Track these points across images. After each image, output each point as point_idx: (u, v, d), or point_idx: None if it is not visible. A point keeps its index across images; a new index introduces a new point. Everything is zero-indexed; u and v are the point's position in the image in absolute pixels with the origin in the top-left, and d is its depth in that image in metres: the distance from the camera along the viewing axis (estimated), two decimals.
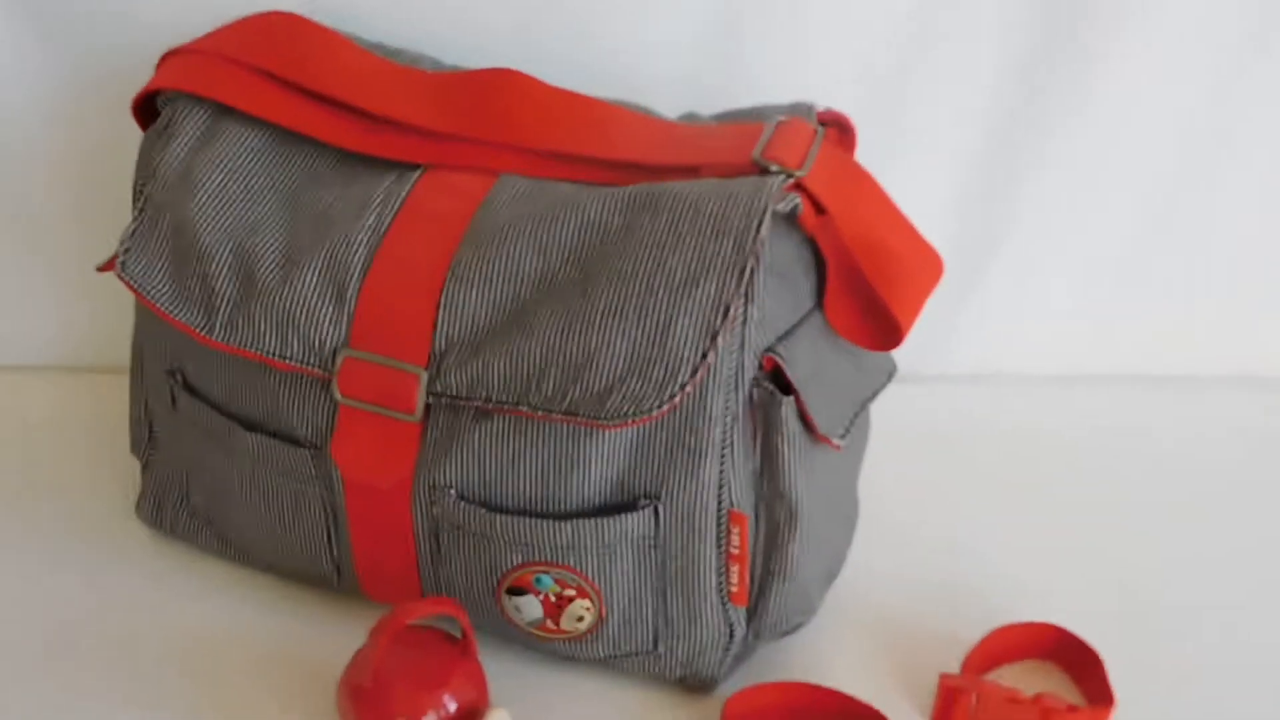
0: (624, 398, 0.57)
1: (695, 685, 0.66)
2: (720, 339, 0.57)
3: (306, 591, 0.73)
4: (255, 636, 0.70)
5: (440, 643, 0.62)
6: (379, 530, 0.65)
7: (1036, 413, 0.91)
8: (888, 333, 0.62)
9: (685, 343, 0.57)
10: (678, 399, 0.57)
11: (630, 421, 0.57)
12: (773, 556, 0.63)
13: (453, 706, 0.59)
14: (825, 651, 0.71)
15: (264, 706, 0.65)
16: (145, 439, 0.74)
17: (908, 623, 0.73)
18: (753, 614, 0.65)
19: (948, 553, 0.78)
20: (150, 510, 0.75)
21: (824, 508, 0.65)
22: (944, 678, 0.64)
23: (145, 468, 0.75)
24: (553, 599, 0.63)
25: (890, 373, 0.68)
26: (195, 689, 0.66)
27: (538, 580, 0.63)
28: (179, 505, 0.74)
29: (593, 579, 0.62)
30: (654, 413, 0.57)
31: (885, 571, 0.77)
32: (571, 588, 0.62)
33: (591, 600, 0.62)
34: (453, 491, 0.62)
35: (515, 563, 0.62)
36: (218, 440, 0.67)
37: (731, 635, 0.64)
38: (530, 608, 0.64)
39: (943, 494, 0.83)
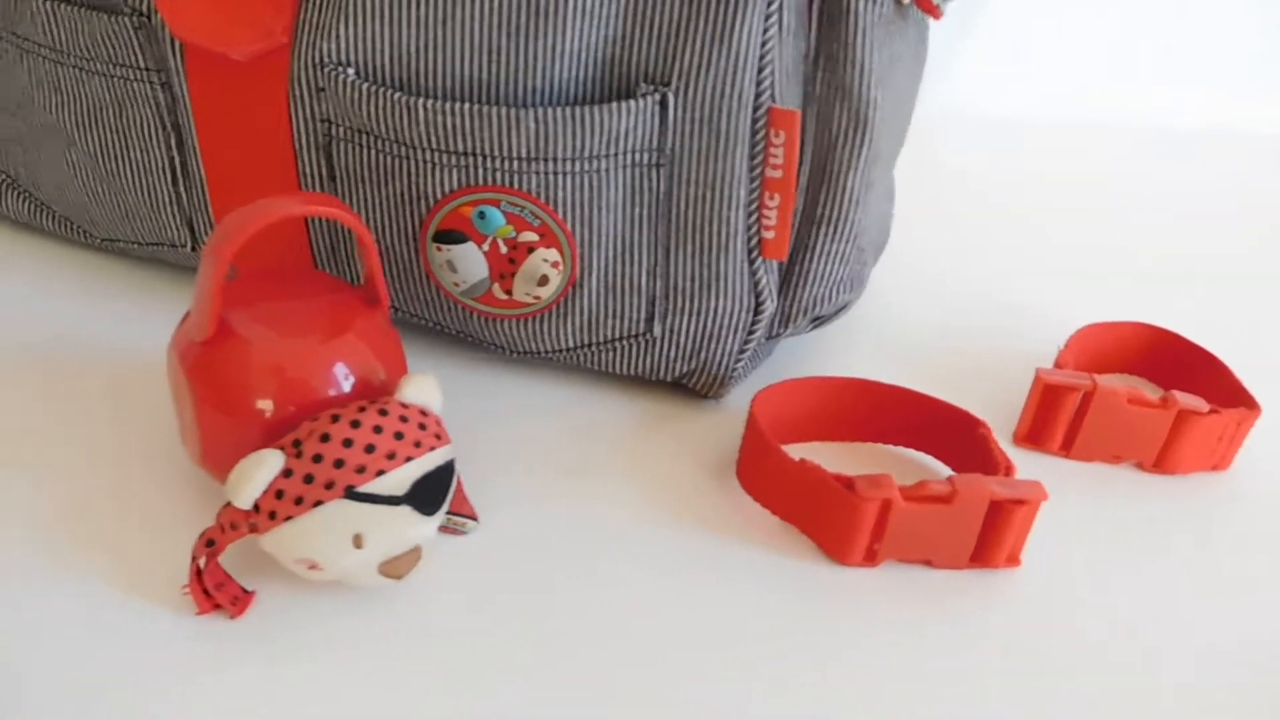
0: None
1: (701, 386, 0.40)
2: None
3: (152, 270, 0.45)
4: (82, 328, 0.42)
5: (329, 287, 0.34)
6: (243, 151, 0.37)
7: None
8: None
9: None
10: None
11: None
12: (825, 191, 0.37)
13: (348, 379, 0.31)
14: (866, 354, 0.45)
15: (96, 410, 0.38)
16: None
17: (964, 330, 0.48)
18: (788, 279, 0.39)
19: (993, 280, 0.53)
20: None
21: (892, 130, 0.39)
22: (1042, 374, 0.39)
23: None
24: (503, 249, 0.36)
25: None
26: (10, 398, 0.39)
27: (481, 216, 0.36)
28: None
29: (564, 213, 0.35)
30: None
31: (928, 276, 0.52)
32: (532, 228, 0.35)
33: (561, 250, 0.36)
34: (350, 71, 0.34)
35: (449, 188, 0.35)
36: (4, 36, 0.39)
37: (758, 309, 0.38)
38: (469, 263, 0.37)
39: (977, 229, 0.59)
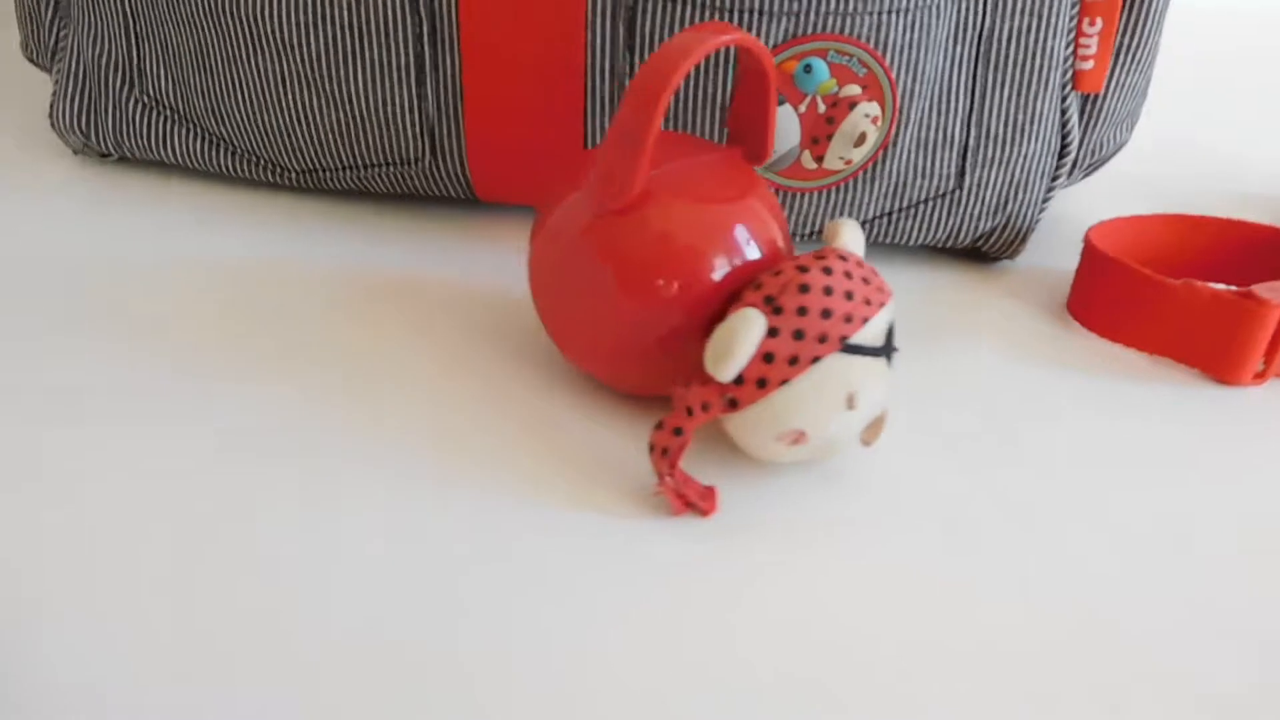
0: None
1: (999, 246, 0.37)
2: None
3: (349, 203, 0.39)
4: (305, 264, 0.36)
5: (699, 145, 0.29)
6: (518, 30, 0.33)
7: None
8: None
9: None
10: None
11: None
12: (1127, 15, 0.35)
13: (753, 244, 0.27)
14: (1114, 201, 0.44)
15: (431, 341, 0.32)
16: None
17: (1222, 167, 0.47)
18: (1086, 115, 0.37)
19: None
20: (73, 114, 0.39)
21: None
22: None
23: (55, 53, 0.39)
24: (821, 107, 0.33)
25: None
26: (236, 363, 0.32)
27: (806, 70, 0.32)
28: (122, 93, 0.38)
29: (891, 58, 0.32)
30: None
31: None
32: (857, 80, 0.32)
33: (883, 103, 0.33)
34: None
35: (775, 42, 0.32)
36: None
37: (1063, 151, 0.36)
38: (783, 129, 0.33)
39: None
